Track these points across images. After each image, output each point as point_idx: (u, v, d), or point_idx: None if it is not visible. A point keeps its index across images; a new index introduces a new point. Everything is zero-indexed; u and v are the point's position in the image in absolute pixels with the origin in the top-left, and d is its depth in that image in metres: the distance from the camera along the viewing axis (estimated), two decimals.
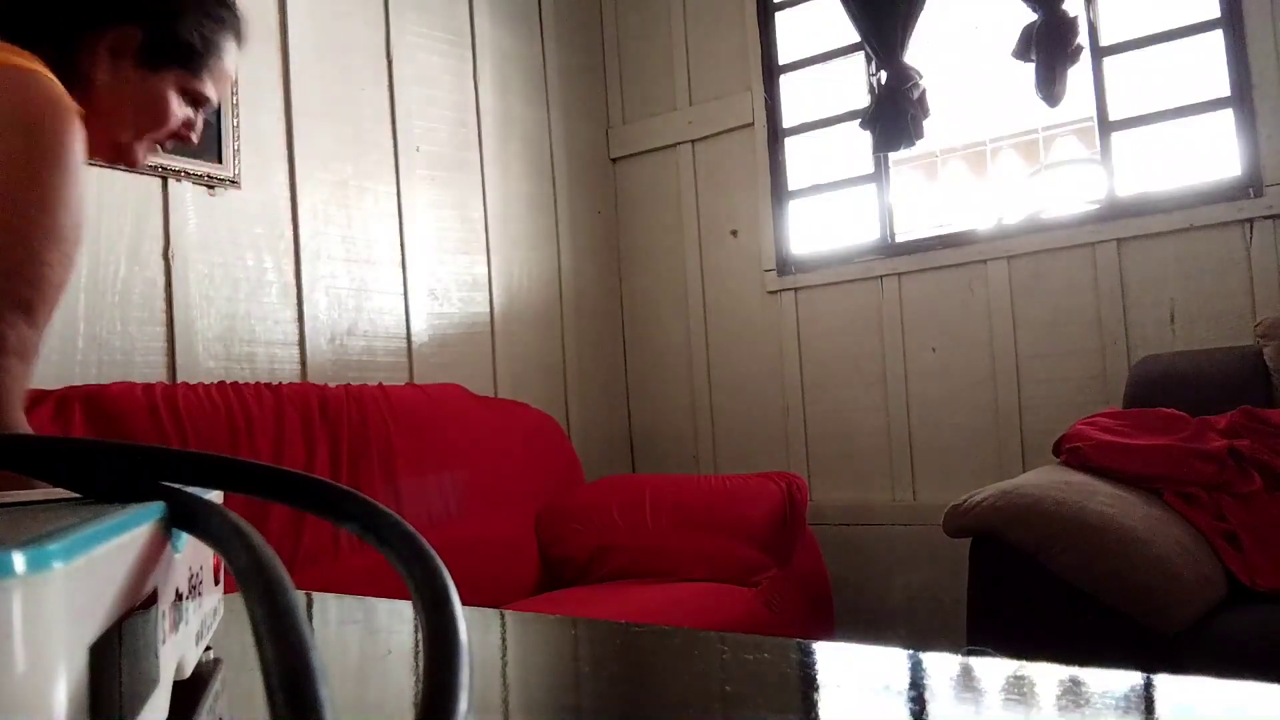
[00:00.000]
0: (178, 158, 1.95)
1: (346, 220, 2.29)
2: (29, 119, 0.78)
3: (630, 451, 3.06)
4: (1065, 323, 2.36)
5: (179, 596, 0.24)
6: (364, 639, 0.39)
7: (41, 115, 0.79)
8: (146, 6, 0.93)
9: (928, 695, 0.28)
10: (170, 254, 1.94)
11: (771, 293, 2.81)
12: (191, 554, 0.26)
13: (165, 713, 0.22)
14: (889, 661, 0.31)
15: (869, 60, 2.68)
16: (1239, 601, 1.49)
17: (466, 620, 0.18)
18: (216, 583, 0.31)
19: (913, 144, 2.54)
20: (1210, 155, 2.25)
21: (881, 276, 2.63)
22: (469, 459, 2.16)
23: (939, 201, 2.70)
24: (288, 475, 0.23)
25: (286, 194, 2.17)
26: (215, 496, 0.28)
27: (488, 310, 2.63)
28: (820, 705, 0.27)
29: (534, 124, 2.87)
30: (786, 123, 2.85)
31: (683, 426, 2.97)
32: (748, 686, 0.29)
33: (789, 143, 2.85)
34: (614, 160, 3.14)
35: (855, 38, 2.66)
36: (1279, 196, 2.11)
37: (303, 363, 2.16)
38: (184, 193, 1.97)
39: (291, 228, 2.17)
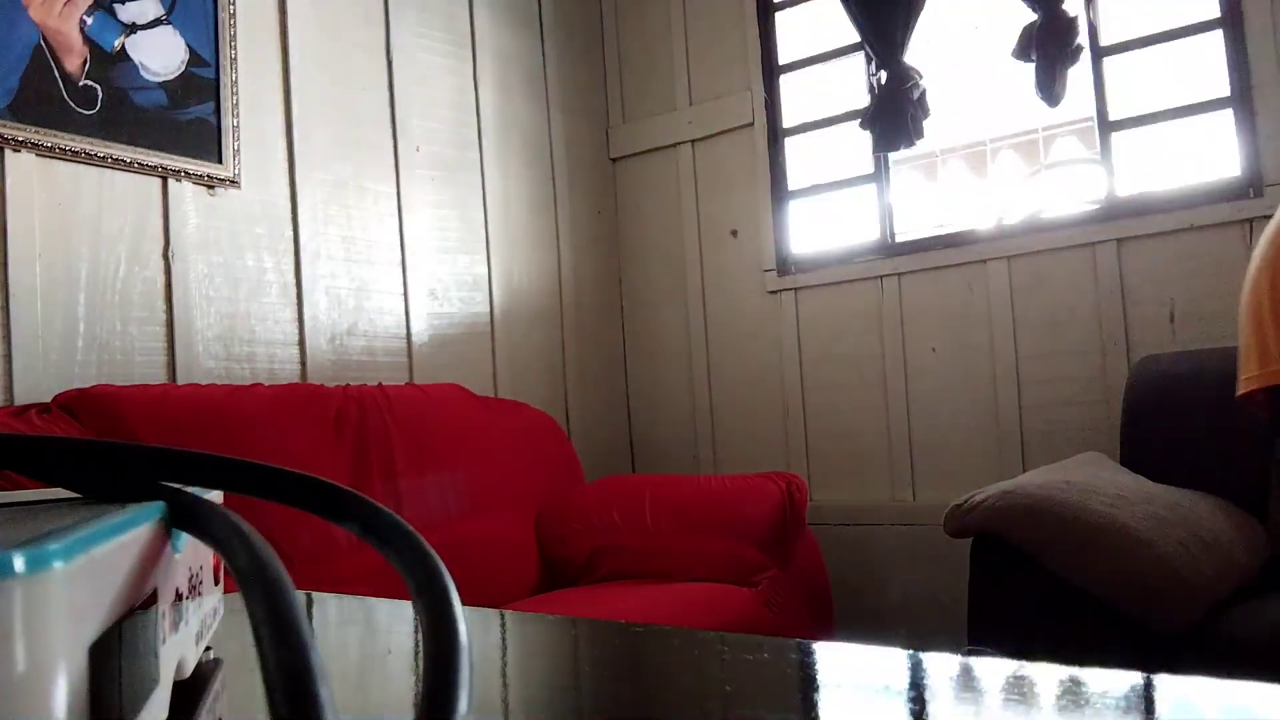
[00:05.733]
0: (178, 157, 1.95)
1: (346, 220, 2.29)
2: None
3: (630, 451, 3.06)
4: (1065, 323, 2.36)
5: (179, 596, 0.24)
6: (364, 639, 0.39)
7: None
8: None
9: (928, 695, 0.28)
10: (170, 254, 1.94)
11: (771, 293, 2.81)
12: (191, 554, 0.26)
13: (165, 713, 0.22)
14: (889, 661, 0.31)
15: (869, 60, 2.68)
16: (1239, 601, 1.49)
17: (466, 620, 0.18)
18: (216, 583, 0.31)
19: (913, 144, 2.54)
20: (1210, 155, 2.25)
21: (881, 276, 2.63)
22: (469, 459, 2.16)
23: (939, 201, 2.70)
24: (288, 475, 0.23)
25: (286, 194, 2.17)
26: (215, 496, 0.28)
27: (487, 310, 2.63)
28: (820, 705, 0.27)
29: (534, 124, 2.87)
30: (786, 123, 2.85)
31: (683, 426, 2.97)
32: (748, 686, 0.29)
33: (789, 143, 2.85)
34: (614, 160, 3.14)
35: (855, 38, 2.66)
36: (1279, 196, 2.11)
37: (303, 363, 2.16)
38: (184, 193, 1.97)
39: (291, 228, 2.17)
